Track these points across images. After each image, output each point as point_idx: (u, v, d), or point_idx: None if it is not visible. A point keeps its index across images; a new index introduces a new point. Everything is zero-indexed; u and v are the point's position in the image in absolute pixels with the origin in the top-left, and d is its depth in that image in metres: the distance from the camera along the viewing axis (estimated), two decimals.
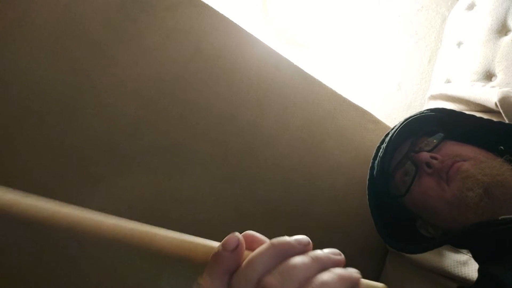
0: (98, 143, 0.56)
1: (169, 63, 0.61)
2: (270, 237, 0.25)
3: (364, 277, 0.27)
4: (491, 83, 0.90)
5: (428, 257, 0.79)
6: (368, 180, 0.69)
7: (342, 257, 0.25)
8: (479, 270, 0.53)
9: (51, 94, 0.52)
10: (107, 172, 0.57)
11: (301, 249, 0.24)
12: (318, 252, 0.24)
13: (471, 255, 0.74)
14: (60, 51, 0.53)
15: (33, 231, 0.52)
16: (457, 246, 0.66)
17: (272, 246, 0.23)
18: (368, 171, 0.69)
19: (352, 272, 0.24)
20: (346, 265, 0.25)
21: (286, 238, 0.24)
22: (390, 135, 0.66)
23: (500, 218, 0.49)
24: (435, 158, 0.58)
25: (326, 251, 0.25)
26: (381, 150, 0.67)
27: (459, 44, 1.02)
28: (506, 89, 0.79)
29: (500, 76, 0.88)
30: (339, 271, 0.23)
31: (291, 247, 0.23)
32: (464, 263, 0.74)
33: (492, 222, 0.50)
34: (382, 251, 0.93)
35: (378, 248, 0.93)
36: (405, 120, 0.67)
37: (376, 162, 0.67)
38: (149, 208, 0.61)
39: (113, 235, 0.23)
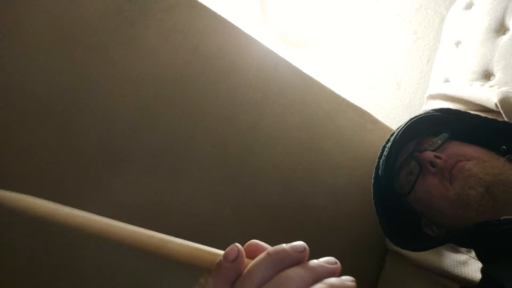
0: (97, 145, 0.56)
1: (167, 64, 0.61)
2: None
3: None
4: (490, 82, 0.90)
5: (427, 257, 0.79)
6: (373, 179, 0.70)
7: (337, 265, 0.25)
8: (482, 270, 0.53)
9: (49, 97, 0.53)
10: (106, 174, 0.57)
11: (297, 256, 0.24)
12: (314, 262, 0.24)
13: (470, 255, 0.74)
14: (58, 54, 0.53)
15: (35, 233, 0.52)
16: (460, 245, 0.66)
17: (268, 255, 0.24)
18: (374, 170, 0.70)
19: (346, 281, 0.24)
20: (347, 265, 0.25)
21: (283, 246, 0.24)
22: (395, 134, 0.67)
23: (502, 218, 0.50)
24: (439, 158, 0.59)
25: (322, 260, 0.25)
26: (386, 149, 0.68)
27: (458, 43, 1.02)
28: (505, 88, 0.79)
29: (498, 75, 0.89)
30: (332, 281, 0.23)
31: (287, 255, 0.24)
32: (464, 263, 0.74)
33: (494, 222, 0.50)
34: (381, 251, 0.93)
35: (377, 247, 0.93)
36: (410, 120, 0.67)
37: (381, 161, 0.68)
38: (149, 210, 0.61)
39: (133, 241, 0.25)
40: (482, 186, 0.52)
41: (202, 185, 0.66)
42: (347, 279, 0.24)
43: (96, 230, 0.25)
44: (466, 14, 1.02)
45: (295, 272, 0.23)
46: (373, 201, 0.69)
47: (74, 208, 0.26)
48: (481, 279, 0.53)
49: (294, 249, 0.24)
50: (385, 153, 0.67)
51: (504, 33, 0.91)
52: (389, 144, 0.67)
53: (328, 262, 0.25)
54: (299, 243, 0.25)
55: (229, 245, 0.26)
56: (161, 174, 0.62)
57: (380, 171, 0.68)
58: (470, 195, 0.53)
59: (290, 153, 0.75)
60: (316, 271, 0.24)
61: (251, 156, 0.70)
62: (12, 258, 0.52)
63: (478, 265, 0.72)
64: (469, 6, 1.02)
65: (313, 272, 0.24)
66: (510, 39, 0.89)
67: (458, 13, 1.05)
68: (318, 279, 0.23)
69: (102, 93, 0.56)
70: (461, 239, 0.58)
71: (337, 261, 0.25)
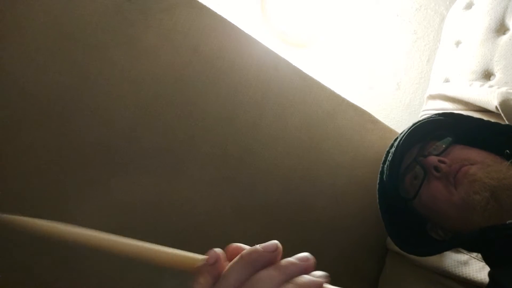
0: (97, 145, 0.56)
1: (167, 64, 0.61)
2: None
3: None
4: (490, 82, 0.90)
5: (428, 256, 0.79)
6: (378, 184, 0.70)
7: (309, 262, 0.25)
8: (489, 274, 0.53)
9: (49, 97, 0.52)
10: (106, 174, 0.57)
11: (269, 256, 0.25)
12: (286, 261, 0.25)
13: (471, 255, 0.74)
14: (58, 54, 0.53)
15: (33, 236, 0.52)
16: (466, 249, 0.67)
17: (242, 258, 0.25)
18: (378, 176, 0.70)
19: (315, 278, 0.25)
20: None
21: (255, 247, 0.25)
22: (398, 139, 0.67)
23: (508, 222, 0.50)
24: (443, 162, 0.59)
25: (295, 257, 0.26)
26: (390, 155, 0.68)
27: (458, 43, 1.02)
28: (504, 89, 0.79)
29: (498, 75, 0.88)
30: (301, 280, 0.24)
31: (259, 256, 0.25)
32: (465, 263, 0.74)
33: (499, 227, 0.50)
34: (381, 251, 0.93)
35: (377, 247, 0.93)
36: (414, 124, 0.67)
37: (386, 166, 0.68)
38: (149, 210, 0.61)
39: (122, 250, 0.28)
40: (487, 190, 0.52)
41: (202, 185, 0.66)
42: (317, 274, 0.25)
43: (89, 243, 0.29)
44: (466, 14, 1.02)
45: (266, 274, 0.24)
46: (378, 207, 0.69)
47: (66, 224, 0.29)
48: (488, 283, 0.53)
49: (266, 249, 0.25)
50: (389, 158, 0.67)
51: (504, 33, 0.91)
52: (393, 149, 0.67)
53: (300, 259, 0.25)
54: (271, 242, 0.26)
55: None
56: (161, 174, 0.62)
57: (384, 176, 0.68)
58: (475, 200, 0.53)
59: (290, 153, 0.75)
60: (288, 270, 0.25)
61: (251, 156, 0.70)
62: (12, 258, 0.52)
63: (479, 265, 0.72)
64: (469, 6, 1.02)
65: (285, 272, 0.24)
66: (510, 39, 0.89)
67: (458, 13, 1.05)
68: (289, 278, 0.24)
69: (102, 93, 0.56)
70: (466, 244, 0.58)
71: (310, 257, 0.26)
